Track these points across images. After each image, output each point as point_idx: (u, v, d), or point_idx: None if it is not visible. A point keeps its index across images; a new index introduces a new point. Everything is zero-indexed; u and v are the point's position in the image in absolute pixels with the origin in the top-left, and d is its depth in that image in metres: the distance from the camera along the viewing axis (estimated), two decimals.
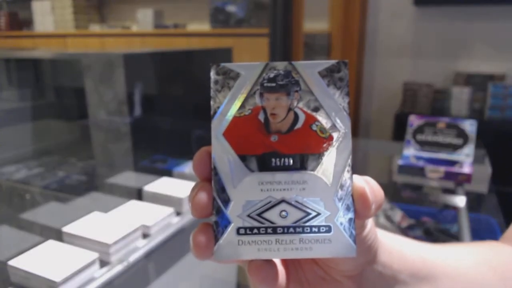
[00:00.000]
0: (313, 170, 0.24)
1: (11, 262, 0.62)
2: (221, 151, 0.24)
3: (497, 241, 0.39)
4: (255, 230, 0.24)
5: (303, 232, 0.24)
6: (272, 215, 0.24)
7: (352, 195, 0.24)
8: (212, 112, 0.25)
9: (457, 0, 2.44)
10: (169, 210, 0.81)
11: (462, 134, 1.09)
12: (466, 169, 1.04)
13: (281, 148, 0.24)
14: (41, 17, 3.92)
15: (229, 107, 0.25)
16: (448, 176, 1.05)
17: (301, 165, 0.24)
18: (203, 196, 0.24)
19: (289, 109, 0.25)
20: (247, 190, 0.24)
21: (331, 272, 0.29)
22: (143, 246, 0.73)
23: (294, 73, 0.25)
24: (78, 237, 0.69)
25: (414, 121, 1.14)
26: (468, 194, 1.03)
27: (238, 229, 0.24)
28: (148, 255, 0.72)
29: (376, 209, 0.25)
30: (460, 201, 1.00)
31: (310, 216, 0.24)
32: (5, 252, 0.69)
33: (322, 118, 0.25)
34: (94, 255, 0.64)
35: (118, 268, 0.66)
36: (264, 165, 0.24)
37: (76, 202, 0.99)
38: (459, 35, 2.51)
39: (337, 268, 0.28)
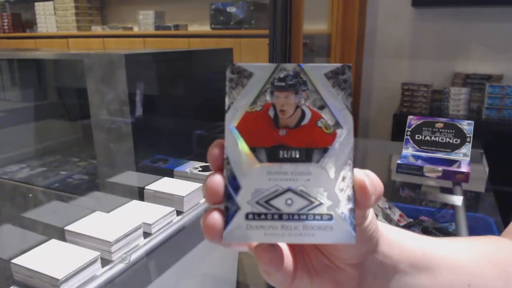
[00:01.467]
0: (317, 162, 0.26)
1: (14, 261, 0.63)
2: (234, 143, 0.26)
3: (498, 236, 0.40)
4: (263, 216, 0.26)
5: (306, 219, 0.26)
6: (279, 202, 0.26)
7: (353, 187, 0.26)
8: (226, 107, 0.27)
9: (455, 2, 2.44)
10: (170, 209, 0.82)
11: (460, 134, 1.09)
12: (464, 168, 1.05)
13: (288, 142, 0.27)
14: (44, 19, 3.93)
15: (242, 103, 0.27)
16: (446, 175, 1.05)
17: (306, 158, 0.26)
18: (216, 184, 0.26)
19: (297, 107, 0.27)
20: (256, 179, 0.26)
21: (335, 260, 0.30)
22: (144, 245, 0.74)
23: (302, 74, 0.27)
24: (80, 235, 0.70)
25: (413, 121, 1.15)
26: (465, 193, 1.04)
27: (247, 215, 0.26)
28: (149, 253, 0.73)
29: (375, 200, 0.27)
30: (457, 200, 1.00)
31: (314, 204, 0.26)
32: (8, 250, 0.70)
33: (327, 116, 0.27)
34: (96, 254, 0.65)
35: (119, 267, 0.67)
36: (273, 156, 0.26)
37: (78, 201, 1.00)
38: (457, 36, 2.52)
39: (339, 256, 0.30)
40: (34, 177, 1.14)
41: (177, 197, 0.85)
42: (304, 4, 1.57)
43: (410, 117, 1.16)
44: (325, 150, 0.26)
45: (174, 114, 1.12)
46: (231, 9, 2.97)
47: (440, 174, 1.06)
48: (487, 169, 1.20)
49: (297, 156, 0.26)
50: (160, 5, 3.54)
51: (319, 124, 0.27)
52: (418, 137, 1.14)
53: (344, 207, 0.26)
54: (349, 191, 0.26)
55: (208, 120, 1.28)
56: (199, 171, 0.97)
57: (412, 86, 2.53)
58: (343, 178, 0.26)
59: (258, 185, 0.26)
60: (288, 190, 0.26)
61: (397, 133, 2.36)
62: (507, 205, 1.08)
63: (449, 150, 1.10)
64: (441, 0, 2.48)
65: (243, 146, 0.26)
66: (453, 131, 1.10)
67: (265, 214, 0.26)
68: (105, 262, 0.67)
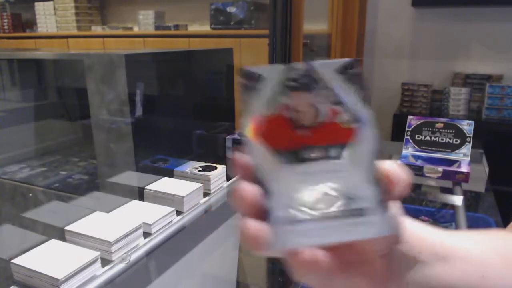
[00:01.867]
0: (342, 158, 0.26)
1: (14, 261, 0.63)
2: (257, 150, 0.26)
3: (503, 230, 0.42)
4: (301, 220, 0.25)
5: (344, 217, 0.25)
6: (314, 204, 0.25)
7: (381, 178, 0.26)
8: (243, 113, 0.26)
9: (455, 2, 2.44)
10: (170, 209, 0.82)
11: (460, 134, 1.09)
12: (464, 168, 1.05)
13: (310, 141, 0.26)
14: (44, 19, 3.93)
15: (258, 108, 0.26)
16: (446, 175, 1.05)
17: (331, 155, 0.26)
18: (248, 193, 0.25)
19: (312, 105, 0.27)
20: (287, 183, 0.26)
21: (366, 253, 0.30)
22: (144, 245, 0.74)
23: (313, 72, 0.27)
24: (80, 235, 0.70)
25: (413, 121, 1.15)
26: (465, 193, 1.04)
27: (285, 220, 0.25)
28: (149, 253, 0.73)
29: (405, 188, 0.27)
30: (457, 200, 1.00)
31: (348, 201, 0.26)
32: (8, 250, 0.70)
33: (343, 111, 0.27)
34: (96, 254, 0.65)
35: (119, 267, 0.67)
36: (298, 158, 0.26)
37: (78, 201, 1.00)
38: (457, 36, 2.52)
39: (372, 248, 0.30)
40: (34, 177, 1.14)
41: (177, 197, 0.85)
42: (304, 4, 1.57)
43: (410, 117, 1.16)
44: (347, 145, 0.26)
45: (174, 114, 1.12)
46: (231, 9, 2.98)
47: (440, 174, 1.06)
48: (487, 169, 1.20)
49: (322, 154, 0.26)
50: (160, 5, 3.54)
51: (337, 120, 0.27)
52: (418, 137, 1.14)
53: (377, 199, 0.26)
54: (378, 183, 0.26)
55: (208, 120, 1.28)
56: (199, 171, 0.97)
57: (412, 86, 2.53)
58: (372, 171, 0.26)
59: (290, 189, 0.26)
60: (320, 190, 0.26)
61: (397, 133, 2.36)
62: (507, 205, 1.08)
63: (449, 150, 1.10)
64: (441, 0, 2.48)
65: (267, 151, 0.26)
66: (453, 131, 1.10)
67: (303, 218, 0.25)
68: (105, 262, 0.67)
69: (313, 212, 0.25)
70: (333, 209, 0.25)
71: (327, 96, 0.27)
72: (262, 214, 0.25)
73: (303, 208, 0.25)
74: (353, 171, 0.26)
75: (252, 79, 0.26)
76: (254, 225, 0.25)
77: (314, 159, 0.26)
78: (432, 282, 0.32)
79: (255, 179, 0.25)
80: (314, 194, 0.26)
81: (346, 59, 0.27)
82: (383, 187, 0.26)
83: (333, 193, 0.26)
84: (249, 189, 0.25)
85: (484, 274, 0.34)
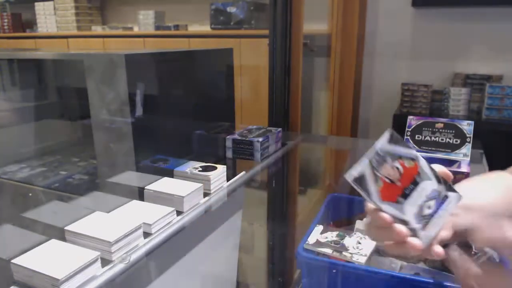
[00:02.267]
0: (422, 181, 0.49)
1: (14, 261, 0.63)
2: (388, 207, 0.47)
3: (502, 172, 0.59)
4: (426, 222, 0.48)
5: (440, 208, 0.48)
6: (425, 211, 0.48)
7: (441, 176, 0.49)
8: (368, 194, 0.47)
9: (455, 2, 2.44)
10: (170, 209, 0.82)
11: (460, 134, 1.09)
12: (464, 168, 1.05)
13: (404, 184, 0.48)
14: (44, 19, 3.93)
15: (374, 188, 0.47)
16: None
17: (416, 184, 0.48)
18: (401, 229, 0.47)
19: (393, 167, 0.48)
20: (409, 210, 0.48)
21: None
22: (144, 245, 0.74)
23: (379, 151, 0.48)
24: (80, 235, 0.70)
25: (413, 121, 1.15)
26: None
27: (420, 228, 0.47)
28: (149, 253, 0.73)
29: (450, 176, 0.50)
30: None
31: (437, 198, 0.48)
32: (8, 250, 0.69)
33: (406, 160, 0.48)
34: (96, 254, 0.65)
35: (119, 267, 0.67)
36: (405, 196, 0.48)
37: (78, 201, 1.00)
38: (457, 36, 2.52)
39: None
40: (34, 177, 1.14)
41: (177, 197, 0.85)
42: (304, 4, 1.57)
43: (410, 117, 1.16)
44: (419, 174, 0.48)
45: (174, 114, 1.12)
46: (231, 9, 2.98)
47: None
48: (487, 169, 1.20)
49: (412, 186, 0.48)
50: (160, 5, 3.55)
51: (406, 165, 0.48)
52: (418, 137, 1.14)
53: (446, 187, 0.49)
54: (441, 179, 0.49)
55: (208, 120, 1.28)
56: (199, 171, 0.97)
57: (412, 86, 2.53)
58: (436, 177, 0.49)
59: (412, 212, 0.48)
60: (423, 202, 0.48)
61: (398, 133, 2.36)
62: None
63: (449, 150, 1.10)
64: (441, 0, 2.48)
65: (391, 204, 0.47)
66: (453, 131, 1.10)
67: (426, 221, 0.48)
68: (105, 262, 0.67)
69: (428, 215, 0.48)
70: (436, 206, 0.48)
71: (395, 158, 0.48)
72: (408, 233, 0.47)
73: (423, 217, 0.48)
74: (430, 182, 0.49)
75: (361, 177, 0.47)
76: (413, 240, 0.46)
77: (411, 190, 0.48)
78: (461, 227, 0.49)
79: (398, 220, 0.47)
80: (422, 206, 0.48)
81: (387, 134, 0.48)
82: (443, 179, 0.49)
83: (429, 199, 0.48)
84: (401, 227, 0.46)
85: (496, 218, 0.49)
